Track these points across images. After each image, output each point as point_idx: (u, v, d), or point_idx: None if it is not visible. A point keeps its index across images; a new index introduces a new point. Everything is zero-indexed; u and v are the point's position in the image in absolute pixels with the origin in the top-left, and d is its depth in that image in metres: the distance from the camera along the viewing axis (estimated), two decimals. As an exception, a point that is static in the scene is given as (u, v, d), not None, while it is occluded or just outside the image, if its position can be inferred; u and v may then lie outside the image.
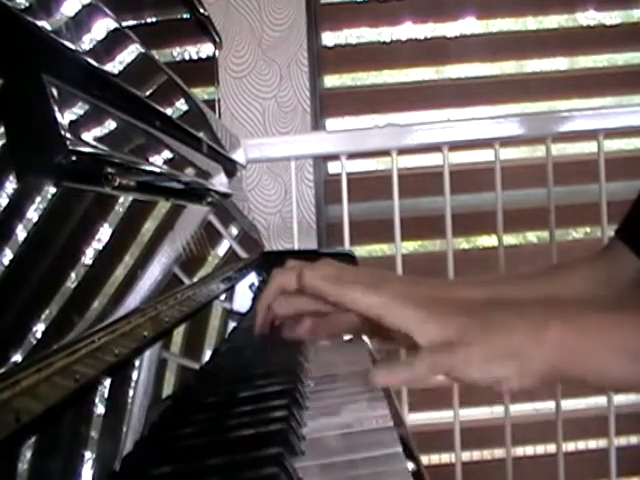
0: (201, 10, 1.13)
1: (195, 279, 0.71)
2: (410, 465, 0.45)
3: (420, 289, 0.71)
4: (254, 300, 0.98)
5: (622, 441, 1.92)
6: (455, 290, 0.75)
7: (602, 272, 0.78)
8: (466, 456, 1.92)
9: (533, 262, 1.98)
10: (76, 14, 0.50)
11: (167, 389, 0.56)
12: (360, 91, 2.22)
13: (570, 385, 1.72)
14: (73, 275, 0.42)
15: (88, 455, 0.39)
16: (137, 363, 0.51)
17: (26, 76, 0.43)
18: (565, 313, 0.56)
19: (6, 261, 0.35)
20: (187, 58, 1.15)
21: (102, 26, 0.56)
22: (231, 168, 1.20)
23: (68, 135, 0.44)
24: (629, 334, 0.54)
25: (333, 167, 2.09)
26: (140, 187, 0.60)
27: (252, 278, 1.10)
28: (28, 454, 0.33)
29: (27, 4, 0.42)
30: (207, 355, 0.70)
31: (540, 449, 2.02)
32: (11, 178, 0.38)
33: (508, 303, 0.61)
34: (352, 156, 1.78)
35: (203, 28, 1.22)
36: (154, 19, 0.90)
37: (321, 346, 0.79)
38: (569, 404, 1.92)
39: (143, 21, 0.83)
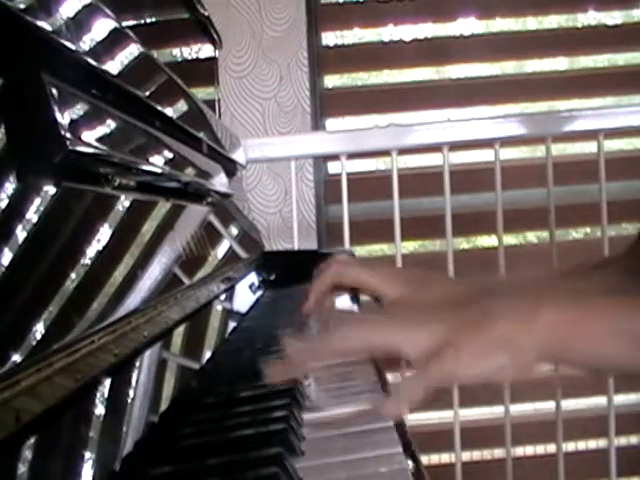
0: (201, 10, 1.13)
1: (195, 279, 0.71)
2: (410, 465, 0.45)
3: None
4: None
5: (622, 441, 1.92)
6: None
7: (632, 269, 0.77)
8: (466, 456, 1.92)
9: (533, 262, 1.98)
10: (76, 14, 0.50)
11: (167, 389, 0.56)
12: (360, 91, 2.22)
13: (570, 384, 1.72)
14: (73, 275, 0.42)
15: (88, 455, 0.39)
16: (137, 363, 0.51)
17: (26, 76, 0.43)
18: (558, 297, 0.56)
19: (6, 261, 0.35)
20: (187, 58, 1.15)
21: (102, 26, 0.56)
22: (231, 168, 1.20)
23: (68, 135, 0.44)
24: (625, 316, 0.54)
25: (333, 167, 2.09)
26: (140, 187, 0.60)
27: (252, 278, 1.10)
28: (28, 454, 0.33)
29: (27, 4, 0.42)
30: (207, 355, 0.70)
31: (540, 449, 2.02)
32: (11, 178, 0.38)
33: (499, 289, 0.61)
34: (352, 156, 1.78)
35: (203, 28, 1.22)
36: (154, 19, 0.90)
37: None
38: (569, 404, 1.92)
39: (143, 21, 0.83)
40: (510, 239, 2.14)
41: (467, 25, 2.20)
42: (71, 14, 0.49)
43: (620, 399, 1.88)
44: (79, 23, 0.50)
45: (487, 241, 2.25)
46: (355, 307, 0.86)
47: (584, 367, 0.56)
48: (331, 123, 2.16)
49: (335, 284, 0.68)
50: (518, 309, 0.54)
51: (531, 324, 0.53)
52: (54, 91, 0.44)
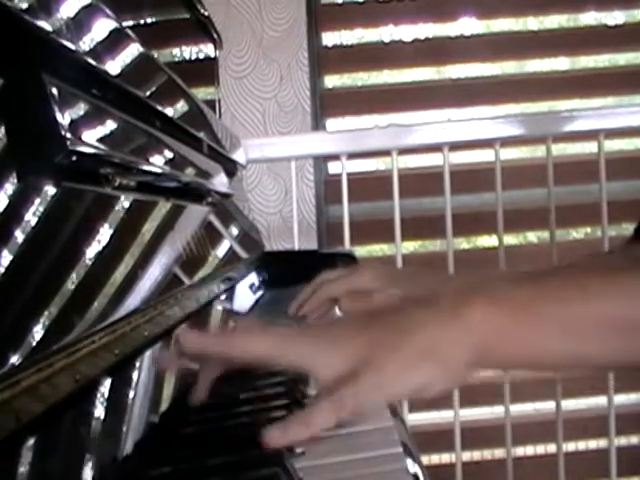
0: (201, 10, 1.13)
1: (195, 279, 0.71)
2: (410, 465, 0.45)
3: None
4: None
5: (622, 441, 1.91)
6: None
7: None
8: (466, 456, 1.92)
9: (533, 262, 1.97)
10: (76, 14, 0.50)
11: (167, 389, 0.56)
12: (360, 91, 2.21)
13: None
14: (73, 275, 0.42)
15: (88, 455, 0.39)
16: (137, 363, 0.51)
17: (26, 76, 0.43)
18: (494, 287, 0.50)
19: (6, 261, 0.35)
20: (187, 58, 1.15)
21: (102, 26, 0.56)
22: (231, 168, 1.20)
23: (68, 135, 0.44)
24: (617, 300, 0.47)
25: (333, 167, 2.09)
26: (140, 187, 0.60)
27: (252, 278, 1.10)
28: (28, 454, 0.33)
29: (27, 4, 0.42)
30: (207, 355, 0.70)
31: (540, 449, 2.02)
32: (11, 178, 0.38)
33: (443, 289, 0.55)
34: (352, 156, 1.78)
35: (203, 28, 1.22)
36: (154, 19, 0.90)
37: None
38: (569, 404, 1.92)
39: (143, 21, 0.83)
40: (510, 239, 2.14)
41: (467, 25, 2.20)
42: (71, 14, 0.49)
43: (620, 399, 1.88)
44: (79, 23, 0.50)
45: (487, 241, 2.25)
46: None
47: (521, 366, 0.51)
48: (331, 123, 2.16)
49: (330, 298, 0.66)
50: (442, 313, 0.49)
51: (456, 322, 0.47)
52: (54, 91, 0.44)
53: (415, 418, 1.96)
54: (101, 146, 0.50)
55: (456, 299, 0.49)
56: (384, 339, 0.48)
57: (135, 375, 0.50)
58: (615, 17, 2.19)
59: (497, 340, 0.48)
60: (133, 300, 0.50)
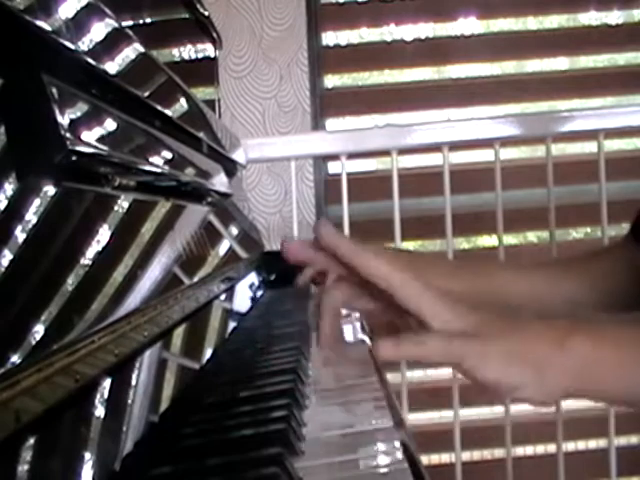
0: (201, 10, 1.13)
1: (195, 279, 0.71)
2: (410, 465, 0.45)
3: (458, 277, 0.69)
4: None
5: (622, 441, 1.92)
6: (495, 276, 0.73)
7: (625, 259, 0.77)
8: (466, 456, 1.92)
9: (533, 262, 1.97)
10: (76, 14, 0.50)
11: (167, 389, 0.56)
12: (360, 91, 2.22)
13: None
14: (73, 275, 0.42)
15: (88, 455, 0.39)
16: (137, 363, 0.51)
17: (26, 76, 0.43)
18: (590, 324, 0.52)
19: (6, 261, 0.35)
20: (187, 58, 1.15)
21: (102, 26, 0.56)
22: (231, 168, 1.20)
23: (68, 135, 0.44)
24: None
25: (333, 167, 2.09)
26: (140, 187, 0.60)
27: (252, 278, 1.10)
28: (28, 454, 0.33)
29: (27, 4, 0.42)
30: (207, 355, 0.70)
31: (540, 449, 2.02)
32: (11, 178, 0.38)
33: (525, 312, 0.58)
34: (352, 156, 1.78)
35: (203, 28, 1.22)
36: (154, 19, 0.90)
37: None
38: (569, 404, 1.92)
39: (143, 21, 0.83)
40: (510, 239, 2.14)
41: (468, 25, 2.20)
42: (71, 14, 0.49)
43: (620, 399, 1.88)
44: (79, 23, 0.50)
45: (487, 241, 2.25)
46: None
47: (608, 398, 0.53)
48: (331, 123, 2.16)
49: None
50: (550, 334, 0.51)
51: (562, 347, 0.49)
52: (54, 91, 0.44)
53: (415, 418, 1.96)
54: (101, 146, 0.50)
55: (562, 326, 0.51)
56: (501, 326, 0.51)
57: (135, 375, 0.50)
58: (615, 17, 2.19)
59: (592, 371, 0.50)
60: (133, 300, 0.50)
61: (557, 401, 0.51)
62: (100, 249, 0.47)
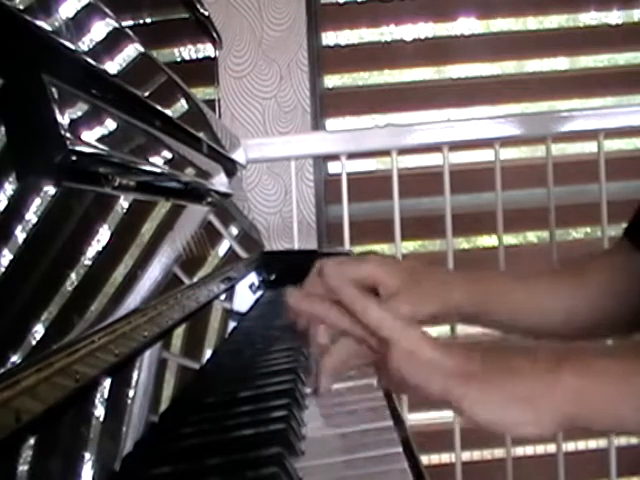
0: (201, 10, 1.13)
1: (195, 279, 0.71)
2: (410, 465, 0.45)
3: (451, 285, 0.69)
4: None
5: (622, 441, 1.91)
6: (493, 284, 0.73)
7: (618, 266, 0.77)
8: (466, 456, 1.92)
9: (533, 262, 1.97)
10: (76, 14, 0.50)
11: (167, 389, 0.56)
12: (360, 91, 2.22)
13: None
14: (73, 275, 0.42)
15: (88, 455, 0.39)
16: (137, 363, 0.51)
17: (26, 76, 0.43)
18: (577, 357, 0.53)
19: (6, 261, 0.35)
20: (187, 58, 1.15)
21: (102, 26, 0.56)
22: (231, 168, 1.20)
23: (68, 135, 0.44)
24: None
25: (333, 167, 2.09)
26: (140, 187, 0.60)
27: (252, 278, 1.10)
28: (28, 454, 0.33)
29: (27, 4, 0.42)
30: (207, 355, 0.70)
31: (540, 449, 2.01)
32: (11, 178, 0.38)
33: (515, 346, 0.59)
34: (352, 156, 1.78)
35: (203, 28, 1.22)
36: (154, 19, 0.90)
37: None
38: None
39: (143, 21, 0.83)
40: (510, 239, 2.14)
41: (467, 25, 2.20)
42: (71, 14, 0.49)
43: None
44: (79, 23, 0.50)
45: (487, 241, 2.25)
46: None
47: (599, 429, 0.54)
48: (331, 123, 2.16)
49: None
50: (540, 367, 0.52)
51: (552, 382, 0.51)
52: (54, 91, 0.44)
53: (415, 418, 1.96)
54: (101, 146, 0.50)
55: (550, 361, 0.52)
56: (495, 369, 0.52)
57: (135, 375, 0.50)
58: (615, 17, 2.19)
59: (581, 404, 0.51)
60: (133, 300, 0.50)
61: (555, 434, 0.52)
62: (100, 249, 0.47)
